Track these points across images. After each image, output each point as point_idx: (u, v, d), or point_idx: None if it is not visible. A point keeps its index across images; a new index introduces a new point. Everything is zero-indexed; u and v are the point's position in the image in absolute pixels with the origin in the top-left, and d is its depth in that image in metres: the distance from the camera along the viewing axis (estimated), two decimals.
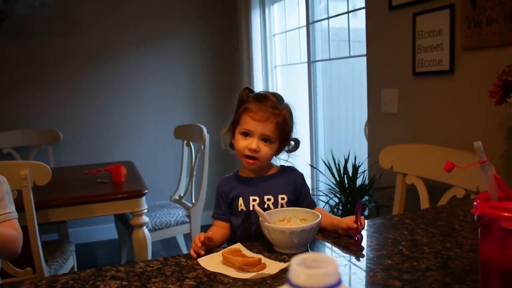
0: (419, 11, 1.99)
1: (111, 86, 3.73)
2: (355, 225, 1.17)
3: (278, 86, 3.85)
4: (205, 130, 2.76)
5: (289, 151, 1.41)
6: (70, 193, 2.33)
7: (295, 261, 0.41)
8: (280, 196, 1.33)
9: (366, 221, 1.26)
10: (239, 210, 1.33)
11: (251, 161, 1.31)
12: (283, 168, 1.42)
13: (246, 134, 1.31)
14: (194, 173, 2.91)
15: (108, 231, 3.60)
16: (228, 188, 1.36)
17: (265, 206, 1.30)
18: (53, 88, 3.60)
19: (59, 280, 1.06)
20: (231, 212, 1.36)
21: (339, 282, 0.40)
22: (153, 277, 1.04)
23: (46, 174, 1.95)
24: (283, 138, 1.34)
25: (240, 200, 1.33)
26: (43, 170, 1.95)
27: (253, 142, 1.29)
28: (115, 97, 3.74)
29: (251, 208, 1.32)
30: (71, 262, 2.34)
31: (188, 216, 2.76)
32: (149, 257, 2.30)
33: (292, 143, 1.40)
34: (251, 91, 1.38)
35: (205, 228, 2.86)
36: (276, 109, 1.30)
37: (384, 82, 2.28)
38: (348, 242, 1.19)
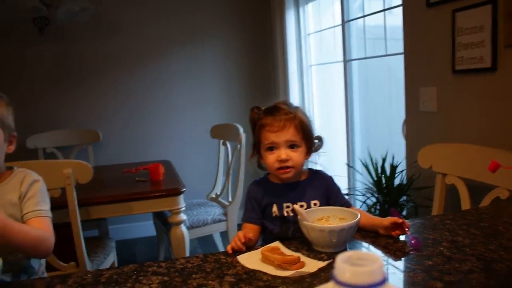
0: (458, 7, 1.95)
1: (148, 86, 3.80)
2: (400, 220, 1.16)
3: (313, 85, 3.83)
4: (241, 130, 2.78)
5: (315, 150, 1.41)
6: (109, 191, 2.39)
7: (341, 258, 0.42)
8: (312, 202, 1.34)
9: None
10: (273, 216, 1.34)
11: (286, 170, 1.31)
12: (312, 172, 1.42)
13: (271, 148, 1.32)
14: (231, 172, 2.93)
15: (147, 228, 3.68)
16: (261, 193, 1.37)
17: (303, 209, 1.31)
18: (92, 89, 3.71)
19: (104, 275, 1.09)
20: (264, 216, 1.37)
21: (384, 280, 0.40)
22: (194, 273, 1.06)
23: (88, 172, 2.02)
24: (307, 139, 1.34)
25: (274, 207, 1.34)
26: (85, 169, 2.02)
27: (281, 153, 1.30)
28: (153, 98, 3.82)
29: (285, 214, 1.33)
30: (111, 258, 2.40)
31: (225, 214, 2.79)
32: (187, 254, 2.34)
33: (316, 141, 1.40)
34: (260, 108, 1.39)
35: (241, 226, 2.89)
36: (289, 114, 1.32)
37: (422, 81, 2.24)
38: (387, 242, 1.18)
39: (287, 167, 1.31)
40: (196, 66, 3.89)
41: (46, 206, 1.38)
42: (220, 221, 2.76)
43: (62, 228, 2.02)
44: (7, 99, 1.36)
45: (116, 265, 2.45)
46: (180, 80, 3.86)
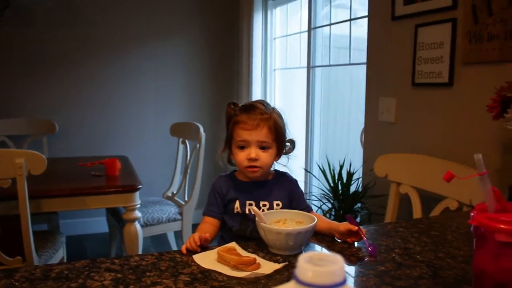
0: (421, 23, 2.01)
1: (110, 80, 3.72)
2: (356, 227, 1.18)
3: (276, 89, 3.86)
4: (201, 129, 2.77)
5: (286, 153, 1.42)
6: (63, 184, 2.32)
7: (303, 258, 0.42)
8: (275, 202, 1.36)
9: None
10: (235, 212, 1.35)
11: (254, 169, 1.32)
12: (277, 173, 1.43)
13: (243, 146, 1.32)
14: (188, 171, 2.91)
15: (99, 224, 3.59)
16: (226, 188, 1.38)
17: (260, 211, 1.32)
18: (52, 79, 3.59)
19: (54, 270, 1.06)
20: (225, 211, 1.37)
21: (344, 281, 0.41)
22: (148, 271, 1.04)
23: (42, 163, 1.95)
24: (279, 141, 1.36)
25: (237, 203, 1.35)
26: (38, 159, 1.95)
27: (251, 151, 1.31)
28: (114, 91, 3.74)
29: (247, 212, 1.34)
30: (61, 253, 2.33)
31: (180, 213, 2.77)
32: (140, 253, 2.30)
33: (288, 144, 1.42)
34: (236, 104, 1.39)
35: (196, 226, 2.85)
36: (265, 114, 1.32)
37: (382, 91, 2.30)
38: (342, 247, 1.20)
39: (256, 167, 1.32)
40: (160, 63, 3.84)
41: None
42: (175, 220, 2.74)
43: (9, 220, 1.95)
44: None
45: (65, 260, 2.38)
46: (143, 76, 3.80)
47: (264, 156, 1.32)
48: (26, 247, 1.95)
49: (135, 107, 3.80)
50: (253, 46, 3.73)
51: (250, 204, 1.34)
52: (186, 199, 2.88)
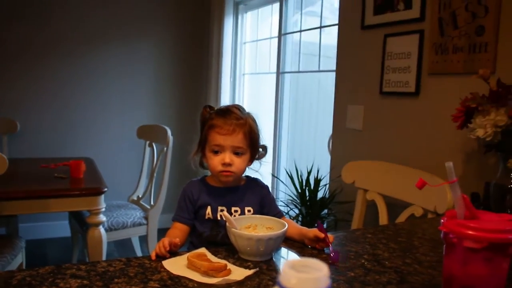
0: (390, 33, 2.06)
1: (75, 78, 3.63)
2: (323, 235, 1.19)
3: (244, 94, 3.86)
4: (169, 132, 2.74)
5: (258, 158, 1.42)
6: (24, 186, 2.24)
7: (287, 264, 0.42)
8: (246, 209, 1.35)
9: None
10: (206, 218, 1.33)
11: (227, 173, 1.31)
12: (249, 180, 1.43)
13: (217, 151, 1.32)
14: (155, 174, 2.87)
15: (60, 228, 3.48)
16: (197, 194, 1.36)
17: (232, 217, 1.31)
18: (12, 75, 3.47)
19: (15, 276, 1.02)
20: (195, 217, 1.36)
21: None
22: (116, 277, 1.01)
23: (2, 164, 1.88)
24: (252, 147, 1.36)
25: (208, 209, 1.33)
26: None
27: (225, 156, 1.30)
28: (79, 91, 3.65)
29: (218, 218, 1.33)
30: (20, 258, 2.25)
31: (146, 218, 2.72)
32: (103, 258, 2.24)
33: (261, 150, 1.42)
34: (212, 108, 1.39)
35: (162, 231, 2.80)
36: (240, 119, 1.32)
37: (351, 99, 2.34)
38: (312, 253, 1.21)
39: (229, 171, 1.31)
40: (128, 63, 3.77)
41: None
42: (140, 224, 2.69)
43: None
44: None
45: (23, 266, 2.29)
46: (110, 76, 3.72)
47: (238, 162, 1.32)
48: None
49: (100, 107, 3.72)
50: (223, 50, 3.72)
51: (222, 210, 1.33)
52: (152, 203, 2.83)
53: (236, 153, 1.32)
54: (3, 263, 2.06)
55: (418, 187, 0.77)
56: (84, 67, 3.65)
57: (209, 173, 1.41)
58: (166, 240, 1.14)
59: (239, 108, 1.36)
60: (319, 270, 0.41)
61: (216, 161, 1.31)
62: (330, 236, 1.21)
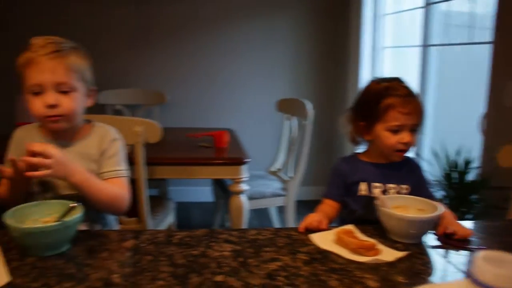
0: None
1: (218, 53, 3.80)
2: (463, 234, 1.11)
3: (385, 69, 3.69)
4: (309, 106, 2.73)
5: None
6: (174, 153, 2.41)
7: (481, 257, 0.38)
8: (404, 186, 1.30)
9: (476, 223, 1.19)
10: (359, 194, 1.30)
11: (401, 153, 1.29)
12: (405, 157, 1.36)
13: (396, 130, 1.27)
14: (294, 147, 2.90)
15: (204, 194, 3.72)
16: (350, 170, 1.33)
17: (383, 196, 1.26)
18: (163, 52, 3.75)
19: (175, 236, 1.10)
20: (348, 194, 1.33)
21: None
22: (265, 246, 1.04)
23: (157, 132, 2.05)
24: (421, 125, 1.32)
25: (362, 185, 1.30)
26: (155, 128, 2.06)
27: (406, 135, 1.26)
28: (221, 65, 3.81)
29: (371, 195, 1.29)
30: (170, 218, 2.45)
31: (284, 189, 2.77)
32: (244, 225, 2.35)
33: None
34: (381, 81, 1.33)
35: (300, 203, 2.86)
36: (416, 98, 1.29)
37: (511, 74, 2.09)
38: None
39: (404, 150, 1.29)
40: (267, 37, 3.83)
41: (124, 165, 1.39)
42: (279, 195, 2.75)
43: None
44: (85, 52, 1.35)
45: (175, 226, 2.50)
46: (249, 50, 3.82)
47: (415, 140, 1.28)
48: (141, 210, 2.07)
49: (241, 81, 3.85)
50: (362, 23, 3.58)
51: (376, 187, 1.29)
52: (290, 175, 2.88)
53: (413, 131, 1.28)
54: (157, 221, 2.27)
55: None
56: (226, 43, 3.79)
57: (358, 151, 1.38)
58: (316, 216, 1.15)
59: (407, 85, 1.33)
60: None
61: (393, 140, 1.26)
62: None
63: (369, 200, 1.27)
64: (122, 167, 1.37)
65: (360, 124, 1.33)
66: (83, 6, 3.60)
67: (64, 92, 1.24)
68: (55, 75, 1.22)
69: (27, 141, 1.18)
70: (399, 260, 0.99)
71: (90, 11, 3.61)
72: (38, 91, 1.22)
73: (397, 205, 1.19)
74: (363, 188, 1.30)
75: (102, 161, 1.34)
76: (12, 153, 1.33)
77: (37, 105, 1.22)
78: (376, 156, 1.33)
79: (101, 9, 3.62)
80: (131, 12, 3.65)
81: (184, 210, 3.66)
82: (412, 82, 3.12)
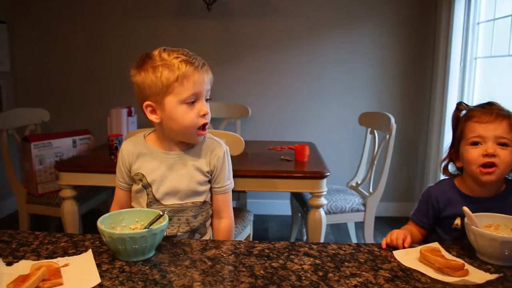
0: None
1: (299, 68, 3.81)
2: None
3: (476, 80, 3.49)
4: (393, 120, 2.65)
5: None
6: (254, 166, 2.45)
7: None
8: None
9: None
10: (453, 227, 1.23)
11: (489, 169, 1.15)
12: (510, 184, 1.23)
13: (476, 143, 1.17)
14: (375, 162, 2.83)
15: (281, 207, 3.75)
16: (443, 201, 1.25)
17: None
18: (247, 66, 3.84)
19: (256, 247, 1.12)
20: (438, 223, 1.26)
21: None
22: (346, 261, 1.03)
23: (240, 145, 2.10)
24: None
25: (457, 220, 1.22)
26: (238, 141, 2.11)
27: (488, 147, 1.15)
28: (302, 80, 3.82)
29: None
30: (248, 230, 2.48)
31: (364, 204, 2.71)
32: (322, 239, 2.32)
33: None
34: (467, 105, 1.26)
35: (379, 219, 2.77)
36: (502, 110, 1.17)
37: None
38: None
39: (492, 165, 1.15)
40: (349, 51, 3.79)
41: (231, 177, 1.45)
42: (358, 210, 2.69)
43: None
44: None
45: (251, 238, 2.52)
46: (332, 64, 3.80)
47: (503, 153, 1.14)
48: None
49: (322, 94, 3.83)
50: (452, 33, 3.42)
51: None
52: (371, 190, 2.81)
53: (500, 144, 1.15)
54: (236, 232, 2.31)
55: None
56: (307, 58, 3.79)
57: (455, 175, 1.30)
58: (401, 233, 1.11)
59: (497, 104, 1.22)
60: None
61: (476, 154, 1.16)
62: None
63: (463, 234, 1.16)
64: (229, 181, 1.44)
65: (451, 151, 1.26)
66: (170, 22, 3.79)
67: None
68: None
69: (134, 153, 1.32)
70: (490, 283, 0.92)
71: (177, 25, 3.80)
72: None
73: (490, 223, 1.12)
74: (457, 221, 1.22)
75: (213, 176, 1.40)
76: (121, 165, 1.39)
77: None
78: (471, 186, 1.23)
79: (189, 22, 3.78)
80: (217, 26, 3.79)
81: (262, 222, 3.70)
82: (507, 95, 2.94)
